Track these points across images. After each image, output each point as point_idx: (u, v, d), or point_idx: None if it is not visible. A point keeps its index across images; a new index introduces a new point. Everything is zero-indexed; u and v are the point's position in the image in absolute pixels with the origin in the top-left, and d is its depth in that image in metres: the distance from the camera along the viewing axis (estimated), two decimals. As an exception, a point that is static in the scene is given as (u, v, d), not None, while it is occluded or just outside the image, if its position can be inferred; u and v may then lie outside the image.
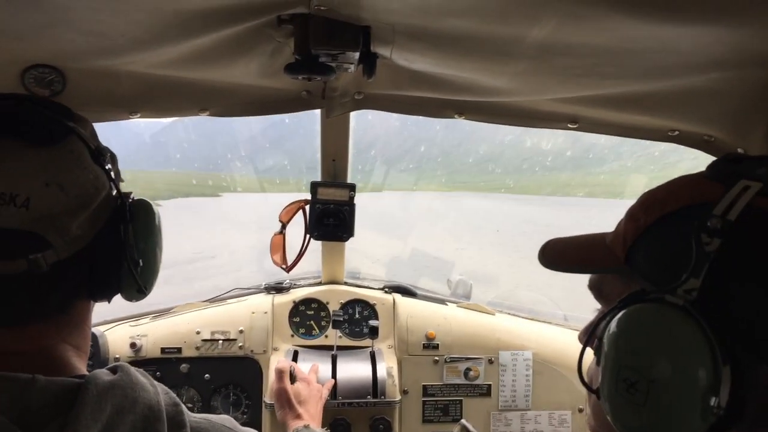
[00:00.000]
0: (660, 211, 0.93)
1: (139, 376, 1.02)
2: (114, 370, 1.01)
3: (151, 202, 1.20)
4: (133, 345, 2.73)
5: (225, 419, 1.15)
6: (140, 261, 1.15)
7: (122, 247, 1.10)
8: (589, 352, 1.03)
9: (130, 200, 1.16)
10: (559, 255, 1.13)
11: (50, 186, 0.98)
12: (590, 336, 1.02)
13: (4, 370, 0.92)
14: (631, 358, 0.86)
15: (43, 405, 0.91)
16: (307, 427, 2.15)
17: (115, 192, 1.12)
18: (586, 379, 1.02)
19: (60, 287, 1.02)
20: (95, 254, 1.06)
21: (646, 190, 1.02)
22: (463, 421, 2.43)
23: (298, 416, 2.23)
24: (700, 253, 0.82)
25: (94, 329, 2.69)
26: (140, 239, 1.15)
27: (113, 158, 1.14)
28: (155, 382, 1.05)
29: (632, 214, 0.99)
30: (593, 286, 1.10)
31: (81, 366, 1.06)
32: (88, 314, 1.13)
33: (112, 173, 1.11)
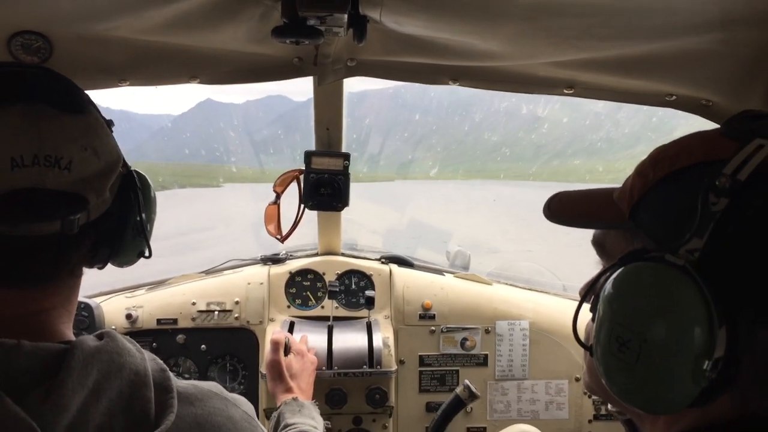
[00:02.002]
0: (669, 168, 0.90)
1: (126, 342, 1.03)
2: (100, 336, 1.01)
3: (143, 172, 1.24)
4: (128, 316, 2.74)
5: (212, 385, 1.16)
6: (147, 225, 1.20)
7: (135, 212, 1.16)
8: (586, 310, 1.02)
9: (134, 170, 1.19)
10: (565, 208, 1.11)
11: (87, 150, 1.02)
12: (587, 292, 1.01)
13: None
14: (626, 317, 0.85)
15: (29, 370, 0.91)
16: (295, 399, 2.16)
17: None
18: (582, 336, 1.01)
19: (81, 248, 1.05)
20: (112, 218, 1.10)
21: (657, 146, 0.99)
22: (466, 381, 2.44)
23: (289, 389, 2.25)
24: (705, 213, 0.80)
25: (89, 300, 2.70)
26: (146, 207, 1.20)
27: None
28: (142, 349, 1.05)
29: (641, 169, 0.97)
30: (596, 242, 1.09)
31: (68, 332, 1.07)
32: (80, 281, 1.15)
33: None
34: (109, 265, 1.22)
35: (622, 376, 0.86)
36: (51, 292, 1.04)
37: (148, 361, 1.03)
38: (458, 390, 2.43)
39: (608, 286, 0.89)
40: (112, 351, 0.98)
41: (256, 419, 1.20)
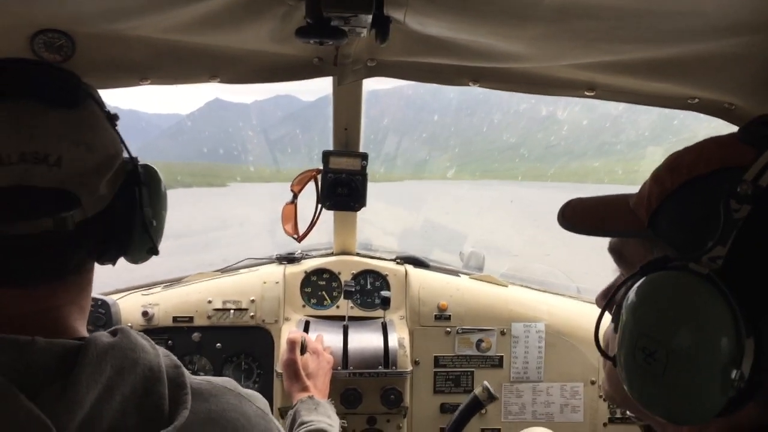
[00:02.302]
0: (687, 175, 0.89)
1: (139, 338, 1.03)
2: (114, 333, 1.01)
3: (156, 168, 1.22)
4: (145, 313, 2.75)
5: (226, 380, 1.16)
6: (153, 221, 1.18)
7: (139, 208, 1.14)
8: (606, 317, 1.00)
9: (140, 164, 1.17)
10: (580, 216, 1.09)
11: (79, 146, 1.01)
12: (609, 301, 1.00)
13: (4, 332, 0.93)
14: (651, 327, 0.83)
15: (43, 366, 0.92)
16: (311, 398, 2.16)
17: (126, 155, 1.14)
18: (602, 343, 1.00)
19: (81, 246, 1.04)
20: (114, 214, 1.08)
21: (673, 152, 0.98)
22: (485, 382, 2.43)
23: (305, 388, 2.25)
24: (728, 220, 0.79)
25: (106, 297, 2.71)
26: (152, 201, 1.18)
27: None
28: (156, 345, 1.05)
29: (658, 176, 0.95)
30: (614, 249, 1.07)
31: (82, 328, 1.08)
32: (92, 276, 1.14)
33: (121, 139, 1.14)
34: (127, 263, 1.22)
35: (648, 386, 0.84)
36: (59, 289, 1.04)
37: (162, 357, 1.03)
38: (477, 391, 2.42)
39: (631, 295, 0.87)
40: (126, 347, 0.98)
41: (270, 415, 1.20)
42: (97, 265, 1.16)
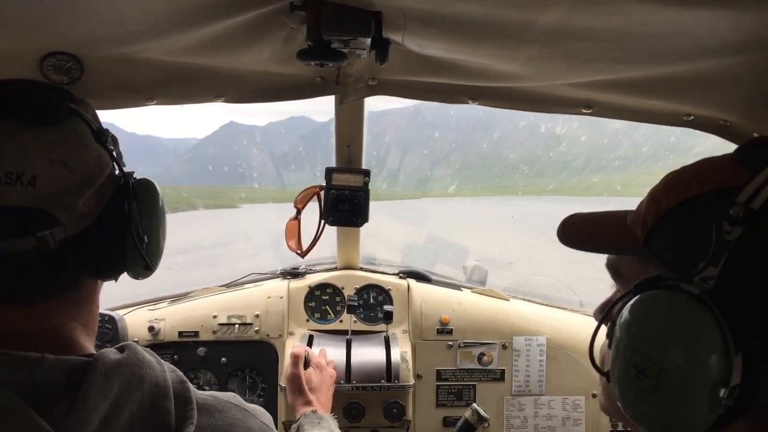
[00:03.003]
0: (683, 195, 0.91)
1: (146, 354, 1.04)
2: (122, 349, 1.02)
3: (154, 182, 1.21)
4: (151, 329, 2.77)
5: (231, 396, 1.16)
6: (145, 237, 1.16)
7: (127, 224, 1.12)
8: (602, 332, 1.03)
9: (133, 180, 1.17)
10: (578, 232, 1.12)
11: (55, 164, 1.00)
12: (604, 317, 1.02)
13: (12, 348, 0.94)
14: (643, 345, 0.85)
15: (53, 383, 0.93)
16: (314, 412, 2.18)
17: (117, 171, 1.13)
18: (597, 358, 1.03)
19: (68, 264, 1.04)
20: (101, 231, 1.08)
21: (669, 172, 1.00)
22: (474, 405, 2.46)
23: (308, 402, 2.26)
24: (720, 242, 0.81)
25: (113, 313, 2.74)
26: (144, 216, 1.16)
27: (114, 141, 1.15)
28: (162, 361, 1.06)
29: (654, 195, 0.98)
30: (610, 266, 1.10)
31: (89, 345, 1.08)
32: (95, 293, 1.15)
33: (114, 154, 1.13)
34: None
35: (639, 402, 0.87)
36: (57, 306, 1.04)
37: (168, 372, 1.04)
38: (467, 414, 2.48)
39: (625, 312, 0.90)
40: (133, 364, 0.99)
41: (275, 429, 1.20)
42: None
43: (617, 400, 0.92)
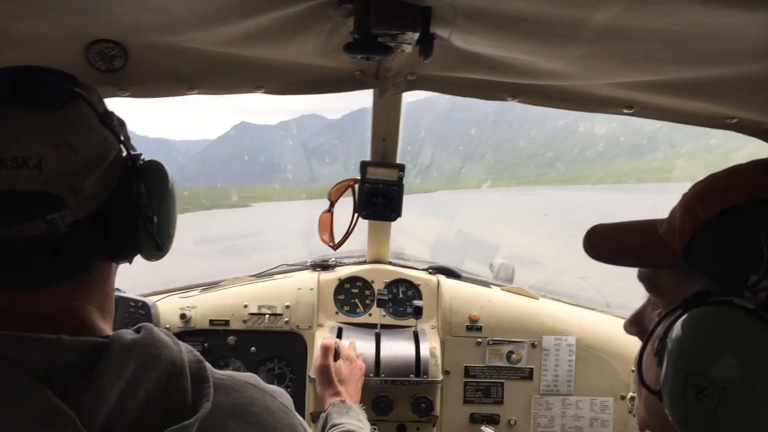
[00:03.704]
0: (720, 205, 0.89)
1: (162, 334, 1.04)
2: (138, 330, 1.03)
3: (163, 163, 1.21)
4: (182, 316, 2.81)
5: (249, 376, 1.16)
6: (155, 218, 1.17)
7: (136, 205, 1.12)
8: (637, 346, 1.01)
9: (141, 161, 1.17)
10: (608, 245, 1.09)
11: (60, 147, 1.01)
12: (650, 335, 0.99)
13: (29, 331, 0.95)
14: (700, 364, 0.83)
15: (69, 364, 0.94)
16: (343, 402, 2.19)
17: (125, 153, 1.14)
18: (644, 375, 1.00)
19: (79, 247, 1.05)
20: (111, 213, 1.08)
21: (701, 179, 0.98)
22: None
23: (337, 393, 2.28)
24: (753, 252, 0.80)
25: (146, 299, 2.77)
26: (153, 198, 1.16)
27: (122, 124, 1.16)
28: (178, 341, 1.06)
29: (688, 206, 0.96)
30: (645, 279, 1.07)
31: (106, 327, 1.09)
32: (110, 275, 1.15)
33: (122, 136, 1.13)
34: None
35: (701, 424, 0.84)
36: (71, 289, 1.06)
37: (185, 353, 1.04)
38: None
39: (676, 330, 0.88)
40: (149, 343, 1.00)
41: (294, 411, 1.20)
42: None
43: (673, 421, 0.89)
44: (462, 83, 2.00)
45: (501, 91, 1.99)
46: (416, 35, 1.45)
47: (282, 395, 1.20)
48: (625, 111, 1.97)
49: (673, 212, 1.00)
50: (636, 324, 1.16)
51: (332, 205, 2.58)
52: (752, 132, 1.93)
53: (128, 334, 1.01)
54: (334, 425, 2.06)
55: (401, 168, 2.50)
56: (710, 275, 0.89)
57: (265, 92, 2.00)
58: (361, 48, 1.49)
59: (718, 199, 0.90)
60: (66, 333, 0.96)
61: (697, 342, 0.85)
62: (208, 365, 1.07)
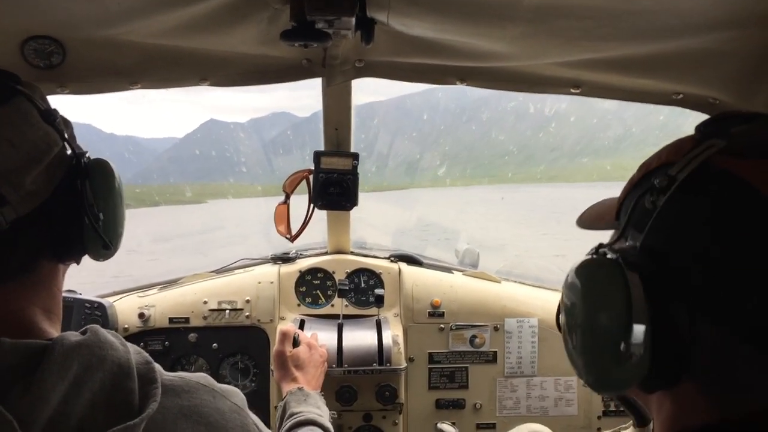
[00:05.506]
0: (645, 170, 0.94)
1: (109, 335, 1.02)
2: (84, 332, 1.01)
3: (109, 162, 1.19)
4: (141, 315, 2.77)
5: (200, 377, 1.15)
6: (101, 216, 1.14)
7: (81, 203, 1.11)
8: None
9: (86, 159, 1.15)
10: (586, 215, 1.18)
11: (1, 143, 0.99)
12: None
13: None
14: (570, 306, 0.91)
15: (9, 368, 0.92)
16: (301, 389, 2.17)
17: (69, 151, 1.12)
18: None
19: (21, 246, 1.03)
20: (54, 210, 1.07)
21: None
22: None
23: (294, 379, 2.27)
24: (643, 210, 0.86)
25: (102, 300, 2.73)
26: (99, 195, 1.14)
27: (66, 123, 1.14)
28: (126, 342, 1.04)
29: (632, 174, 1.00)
30: None
31: (50, 329, 1.07)
32: (56, 276, 1.13)
33: (66, 134, 1.11)
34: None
35: (572, 358, 0.93)
36: (14, 291, 1.04)
37: (132, 354, 1.03)
38: None
39: (566, 279, 0.95)
40: (94, 345, 0.98)
41: (247, 410, 1.19)
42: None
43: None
44: (410, 68, 1.99)
45: (448, 75, 1.99)
46: (353, 20, 1.44)
47: (234, 395, 1.19)
48: (573, 91, 1.98)
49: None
50: None
51: (288, 197, 2.56)
52: (698, 107, 1.95)
53: (73, 336, 0.99)
54: (292, 414, 2.04)
55: (355, 157, 2.48)
56: (616, 232, 0.96)
57: (210, 84, 1.97)
58: (298, 35, 1.47)
59: (644, 166, 0.95)
60: (7, 336, 0.94)
61: (570, 287, 0.92)
62: (157, 366, 1.05)
